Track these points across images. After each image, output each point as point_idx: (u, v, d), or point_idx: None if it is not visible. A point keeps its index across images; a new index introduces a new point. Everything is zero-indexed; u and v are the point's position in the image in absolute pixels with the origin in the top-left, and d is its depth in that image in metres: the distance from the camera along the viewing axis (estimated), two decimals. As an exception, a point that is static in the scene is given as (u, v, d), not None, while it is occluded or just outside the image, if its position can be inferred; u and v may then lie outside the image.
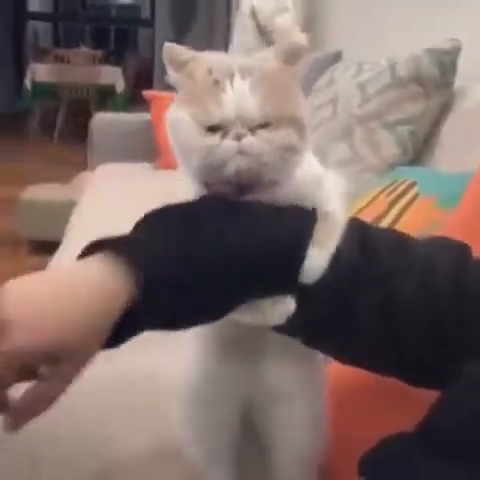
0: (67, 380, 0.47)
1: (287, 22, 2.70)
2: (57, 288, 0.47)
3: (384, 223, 1.02)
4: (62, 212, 2.30)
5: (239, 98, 0.51)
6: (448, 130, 1.35)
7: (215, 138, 0.51)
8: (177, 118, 0.53)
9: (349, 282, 0.54)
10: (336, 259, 0.54)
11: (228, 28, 4.42)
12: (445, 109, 1.38)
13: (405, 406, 0.64)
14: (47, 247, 2.13)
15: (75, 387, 0.48)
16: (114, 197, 2.14)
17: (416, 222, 0.98)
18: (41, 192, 2.91)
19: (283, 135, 0.52)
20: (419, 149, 1.40)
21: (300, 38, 2.93)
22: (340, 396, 0.72)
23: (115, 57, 7.41)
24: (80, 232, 1.83)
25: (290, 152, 0.53)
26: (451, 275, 0.54)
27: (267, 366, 0.64)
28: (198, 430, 0.68)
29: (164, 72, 0.56)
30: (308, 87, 1.84)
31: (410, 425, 0.51)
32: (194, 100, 0.52)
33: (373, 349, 0.57)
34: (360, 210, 1.13)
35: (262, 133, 0.51)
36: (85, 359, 0.47)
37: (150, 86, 5.74)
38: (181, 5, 7.17)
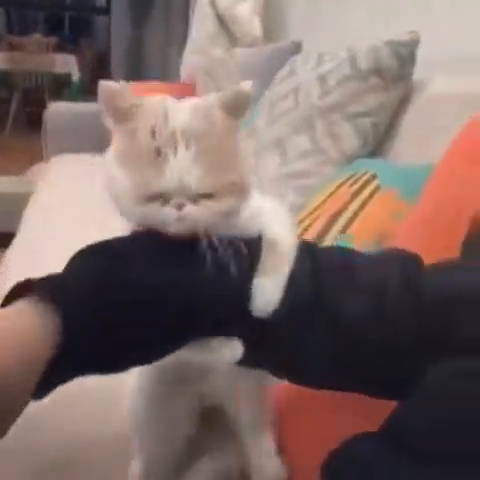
0: None
1: (246, 11, 2.69)
2: None
3: (347, 214, 1.03)
4: (18, 204, 2.25)
5: (181, 170, 0.49)
6: (407, 122, 1.35)
7: (154, 206, 0.50)
8: (114, 178, 0.51)
9: (302, 313, 0.54)
10: (288, 290, 0.54)
11: (187, 16, 4.38)
12: (404, 101, 1.38)
13: (360, 412, 0.64)
14: (3, 239, 2.08)
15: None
16: (70, 188, 2.10)
17: (379, 213, 0.98)
18: (-2, 184, 2.85)
19: (225, 203, 0.51)
20: (379, 141, 1.40)
21: (257, 28, 2.92)
22: (296, 404, 0.72)
23: (70, 45, 7.26)
24: (35, 224, 1.79)
25: (231, 215, 0.53)
26: (403, 291, 0.54)
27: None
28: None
29: (121, 62, 0.53)
30: (268, 78, 1.83)
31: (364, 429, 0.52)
32: (135, 165, 0.50)
33: (332, 373, 0.57)
34: (322, 202, 1.13)
35: (203, 202, 0.51)
36: (10, 413, 0.42)
37: (108, 75, 5.66)
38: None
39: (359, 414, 0.59)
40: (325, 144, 1.42)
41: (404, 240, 0.79)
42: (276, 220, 0.57)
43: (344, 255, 0.59)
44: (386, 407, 0.52)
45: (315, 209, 1.15)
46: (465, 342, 0.51)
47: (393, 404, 0.52)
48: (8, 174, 3.03)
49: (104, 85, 0.51)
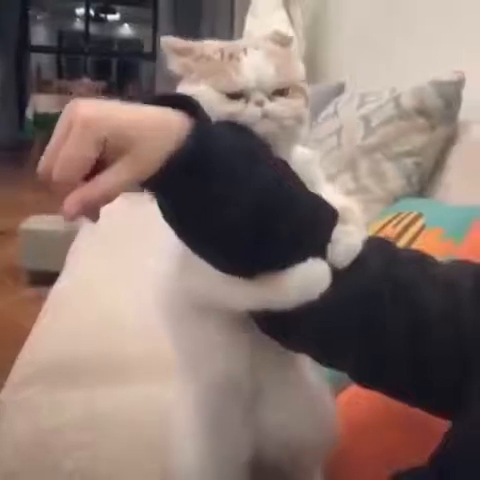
0: (124, 174, 0.47)
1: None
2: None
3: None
4: (62, 242, 2.29)
5: (257, 66, 0.54)
6: (453, 162, 1.34)
7: (238, 104, 0.54)
8: (193, 92, 0.54)
9: (373, 288, 0.53)
10: (362, 264, 0.53)
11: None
12: (450, 141, 1.37)
13: (412, 431, 0.63)
14: (47, 278, 2.11)
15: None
16: (114, 227, 2.12)
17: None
18: (42, 222, 2.91)
19: (297, 102, 0.56)
20: (424, 181, 1.39)
21: (301, 69, 2.95)
22: (349, 416, 0.70)
23: (117, 89, 7.49)
24: (79, 262, 1.81)
25: (300, 121, 0.56)
26: (475, 295, 0.52)
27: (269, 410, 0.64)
28: None
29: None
30: (311, 118, 1.84)
31: (415, 450, 0.51)
32: (212, 73, 0.54)
33: (396, 366, 0.53)
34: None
35: (279, 99, 0.55)
36: (143, 157, 0.47)
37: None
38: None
39: (413, 445, 0.57)
40: (368, 183, 1.41)
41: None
42: (338, 194, 0.58)
43: (419, 253, 0.58)
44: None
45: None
46: None
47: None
48: (54, 213, 3.10)
49: (166, 37, 0.57)
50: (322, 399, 0.68)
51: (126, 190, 0.48)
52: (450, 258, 0.88)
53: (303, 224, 0.52)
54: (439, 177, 1.37)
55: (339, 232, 0.53)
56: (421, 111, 1.37)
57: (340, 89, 2.15)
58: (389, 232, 1.10)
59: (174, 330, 0.63)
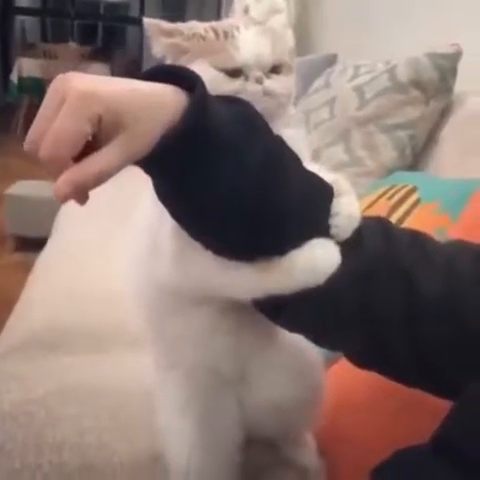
0: (119, 154, 0.44)
1: (281, 23, 2.68)
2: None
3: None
4: (49, 209, 2.26)
5: (253, 43, 0.54)
6: (447, 135, 1.33)
7: (238, 82, 0.54)
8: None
9: (371, 270, 0.52)
10: (358, 244, 0.53)
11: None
12: (445, 114, 1.37)
13: (417, 414, 0.63)
14: (32, 244, 2.09)
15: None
16: (102, 194, 2.10)
17: (420, 227, 0.96)
18: (28, 188, 2.87)
19: (290, 79, 0.56)
20: (417, 154, 1.38)
21: (290, 40, 2.91)
22: (350, 401, 0.71)
23: (103, 54, 7.35)
24: (67, 229, 1.79)
25: (290, 98, 0.57)
26: (473, 279, 0.52)
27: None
28: None
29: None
30: (303, 91, 1.82)
31: (421, 434, 0.50)
32: (210, 52, 0.54)
33: (392, 348, 0.53)
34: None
35: (274, 76, 0.55)
36: (138, 137, 0.45)
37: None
38: (170, 4, 7.15)
39: (416, 426, 0.57)
40: (361, 155, 1.40)
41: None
42: (324, 171, 0.57)
43: (416, 233, 0.57)
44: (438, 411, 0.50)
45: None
46: None
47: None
48: (41, 178, 3.06)
49: (150, 20, 0.56)
50: (305, 359, 0.68)
51: (119, 171, 0.45)
52: (445, 231, 0.89)
53: (304, 196, 0.51)
54: (432, 150, 1.37)
55: (337, 205, 0.53)
56: (416, 83, 1.36)
57: (332, 60, 2.13)
58: (383, 204, 1.09)
59: (156, 322, 0.64)
